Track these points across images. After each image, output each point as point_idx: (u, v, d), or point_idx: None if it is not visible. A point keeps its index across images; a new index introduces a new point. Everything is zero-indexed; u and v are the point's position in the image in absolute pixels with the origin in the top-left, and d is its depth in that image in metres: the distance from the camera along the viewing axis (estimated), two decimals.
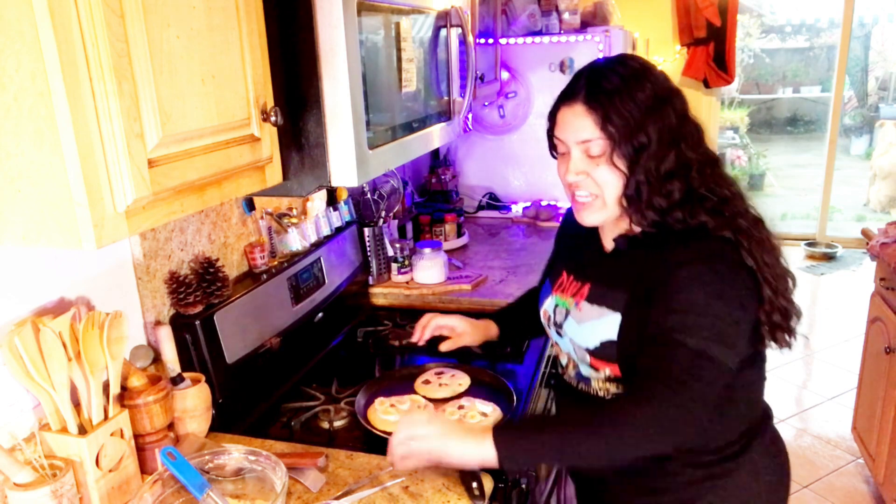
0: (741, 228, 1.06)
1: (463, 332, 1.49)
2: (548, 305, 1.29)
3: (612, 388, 1.16)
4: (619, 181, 1.08)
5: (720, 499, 1.14)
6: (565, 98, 1.12)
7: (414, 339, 1.50)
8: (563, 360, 1.26)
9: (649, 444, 1.01)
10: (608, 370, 1.14)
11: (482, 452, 1.03)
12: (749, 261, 1.04)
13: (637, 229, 1.14)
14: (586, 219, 1.15)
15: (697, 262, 1.04)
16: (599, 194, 1.11)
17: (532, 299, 1.45)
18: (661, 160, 1.05)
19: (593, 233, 1.22)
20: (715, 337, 1.00)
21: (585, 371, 1.18)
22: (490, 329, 1.52)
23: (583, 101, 1.08)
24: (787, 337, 1.10)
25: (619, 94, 1.05)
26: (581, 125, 1.08)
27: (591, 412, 1.11)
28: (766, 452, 1.19)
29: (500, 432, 1.04)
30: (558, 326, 1.23)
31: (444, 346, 1.49)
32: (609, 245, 1.20)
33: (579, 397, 1.22)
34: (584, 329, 1.16)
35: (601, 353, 1.13)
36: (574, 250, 1.28)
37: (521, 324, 1.53)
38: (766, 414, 1.23)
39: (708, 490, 1.14)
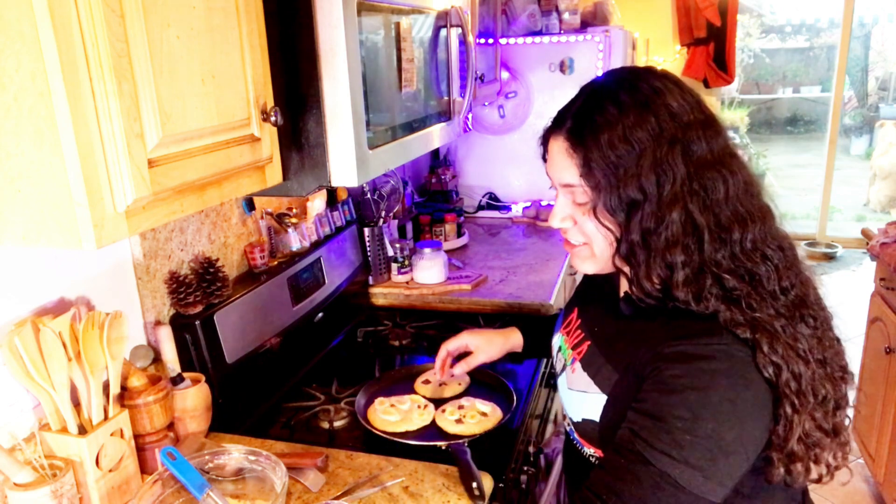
0: (763, 325, 0.81)
1: (476, 348, 1.36)
2: (555, 341, 1.17)
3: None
4: (608, 237, 0.90)
5: None
6: (555, 125, 0.92)
7: (438, 377, 1.45)
8: (565, 410, 1.11)
9: None
10: (592, 450, 1.00)
11: None
12: (767, 370, 0.80)
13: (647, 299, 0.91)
14: (579, 267, 0.98)
15: (692, 361, 0.81)
16: (588, 243, 0.94)
17: None
18: (661, 221, 0.83)
19: (614, 279, 1.03)
20: (693, 463, 0.79)
21: (574, 435, 1.05)
22: (511, 338, 1.38)
23: (566, 136, 0.89)
24: (809, 470, 0.85)
25: (611, 130, 0.84)
26: (563, 166, 0.90)
27: None
28: None
29: None
30: (556, 373, 1.12)
31: (458, 368, 1.38)
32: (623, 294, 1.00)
33: (572, 450, 1.09)
34: (570, 398, 1.02)
35: (583, 429, 0.98)
36: (591, 286, 1.10)
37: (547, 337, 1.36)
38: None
39: None
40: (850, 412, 0.89)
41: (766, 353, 0.80)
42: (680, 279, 0.84)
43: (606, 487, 0.84)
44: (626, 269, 0.90)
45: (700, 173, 0.83)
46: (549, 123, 0.94)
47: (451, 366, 1.42)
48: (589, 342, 1.02)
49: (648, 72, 0.90)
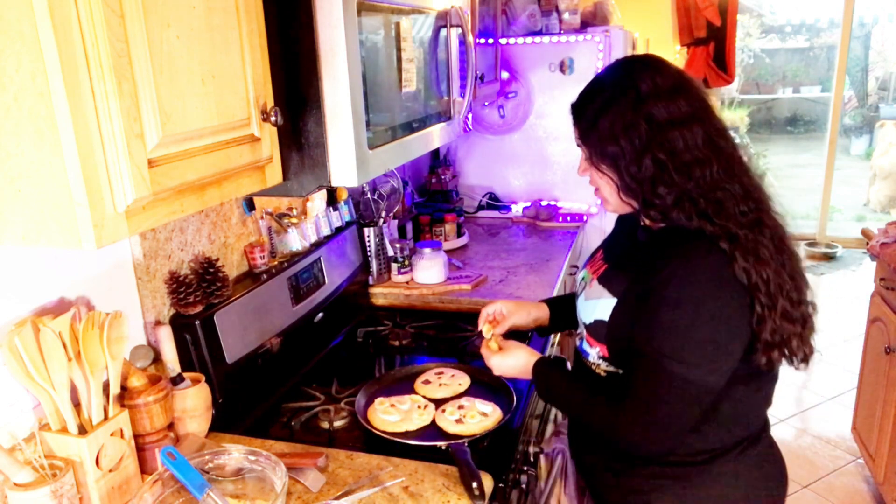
0: (736, 238, 1.05)
1: (509, 312, 1.50)
2: (578, 276, 1.40)
3: (603, 366, 1.22)
4: (608, 183, 1.17)
5: (666, 499, 1.17)
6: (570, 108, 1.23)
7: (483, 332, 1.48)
8: (579, 329, 1.33)
9: (637, 446, 1.13)
10: (599, 349, 1.22)
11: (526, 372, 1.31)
12: (742, 277, 1.04)
13: (658, 223, 1.17)
14: (604, 207, 1.26)
15: (688, 278, 1.06)
16: (599, 189, 1.22)
17: None
18: (640, 166, 1.10)
19: (636, 220, 1.27)
20: (698, 361, 1.05)
21: (583, 345, 1.28)
22: (541, 310, 1.55)
23: (572, 113, 1.21)
24: (785, 355, 1.10)
25: (592, 106, 1.15)
26: (575, 132, 1.22)
27: (600, 405, 1.17)
28: (733, 479, 1.18)
29: (539, 369, 1.29)
30: (576, 297, 1.35)
31: (498, 330, 1.47)
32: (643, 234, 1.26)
33: (579, 364, 1.31)
34: (587, 305, 1.24)
35: (593, 330, 1.21)
36: (615, 232, 1.38)
37: (571, 313, 1.53)
38: (763, 429, 1.22)
39: (656, 487, 1.18)
40: (811, 310, 1.14)
41: (740, 261, 1.04)
42: (669, 203, 1.10)
43: (644, 390, 1.09)
44: (634, 203, 1.15)
45: (662, 130, 1.09)
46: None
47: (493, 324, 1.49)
48: (606, 265, 1.26)
49: (630, 60, 1.19)
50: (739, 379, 1.11)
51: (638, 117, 1.09)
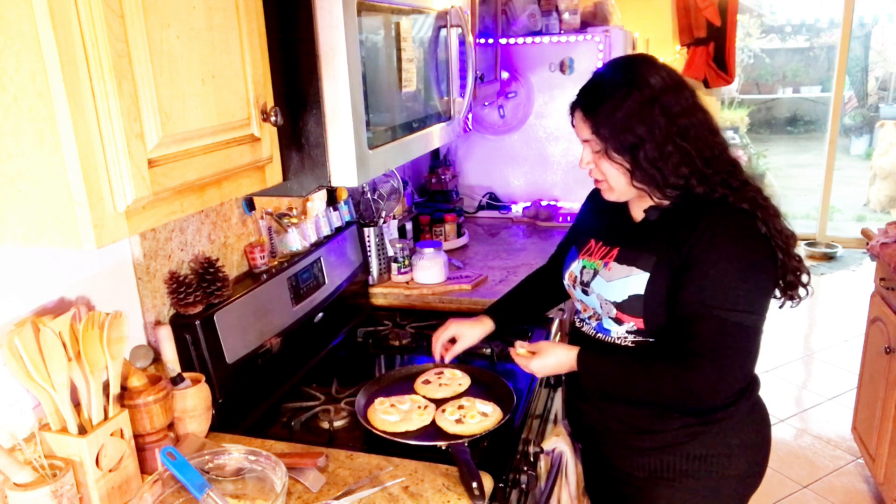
0: (753, 199, 1.22)
1: (461, 335, 1.57)
2: (574, 268, 1.43)
3: (631, 339, 1.31)
4: (621, 172, 1.26)
5: (701, 443, 1.29)
6: (572, 106, 1.31)
7: (437, 361, 1.59)
8: (586, 315, 1.41)
9: (713, 397, 1.25)
10: (632, 324, 1.29)
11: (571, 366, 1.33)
12: (763, 229, 1.20)
13: (666, 202, 1.29)
14: (605, 196, 1.35)
15: (727, 238, 1.20)
16: (605, 180, 1.30)
17: (524, 290, 1.70)
18: (663, 153, 1.21)
19: (622, 206, 1.38)
20: (749, 308, 1.19)
21: (607, 324, 1.34)
22: (485, 324, 1.60)
23: (580, 110, 1.28)
24: (798, 292, 1.27)
25: (608, 103, 1.22)
26: (581, 128, 1.29)
27: (667, 370, 1.23)
28: (749, 412, 1.33)
29: (584, 359, 1.30)
30: (585, 285, 1.38)
31: (448, 357, 1.58)
32: (638, 216, 1.35)
33: (596, 345, 1.37)
34: (612, 286, 1.30)
35: (628, 306, 1.28)
36: (602, 221, 1.43)
37: (514, 314, 1.67)
38: (755, 381, 1.37)
39: (693, 435, 1.29)
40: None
41: (760, 217, 1.21)
42: (695, 182, 1.23)
43: (708, 346, 1.18)
44: (645, 187, 1.25)
45: (676, 120, 1.21)
46: (574, 98, 1.31)
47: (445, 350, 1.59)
48: (618, 248, 1.33)
49: (633, 58, 1.30)
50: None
51: (654, 109, 1.20)
